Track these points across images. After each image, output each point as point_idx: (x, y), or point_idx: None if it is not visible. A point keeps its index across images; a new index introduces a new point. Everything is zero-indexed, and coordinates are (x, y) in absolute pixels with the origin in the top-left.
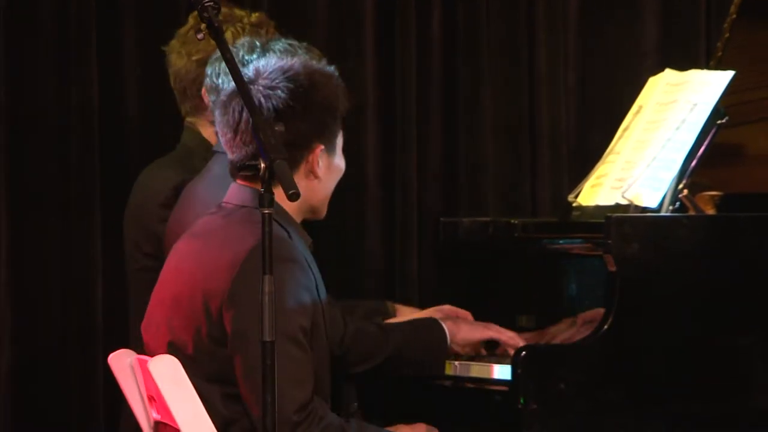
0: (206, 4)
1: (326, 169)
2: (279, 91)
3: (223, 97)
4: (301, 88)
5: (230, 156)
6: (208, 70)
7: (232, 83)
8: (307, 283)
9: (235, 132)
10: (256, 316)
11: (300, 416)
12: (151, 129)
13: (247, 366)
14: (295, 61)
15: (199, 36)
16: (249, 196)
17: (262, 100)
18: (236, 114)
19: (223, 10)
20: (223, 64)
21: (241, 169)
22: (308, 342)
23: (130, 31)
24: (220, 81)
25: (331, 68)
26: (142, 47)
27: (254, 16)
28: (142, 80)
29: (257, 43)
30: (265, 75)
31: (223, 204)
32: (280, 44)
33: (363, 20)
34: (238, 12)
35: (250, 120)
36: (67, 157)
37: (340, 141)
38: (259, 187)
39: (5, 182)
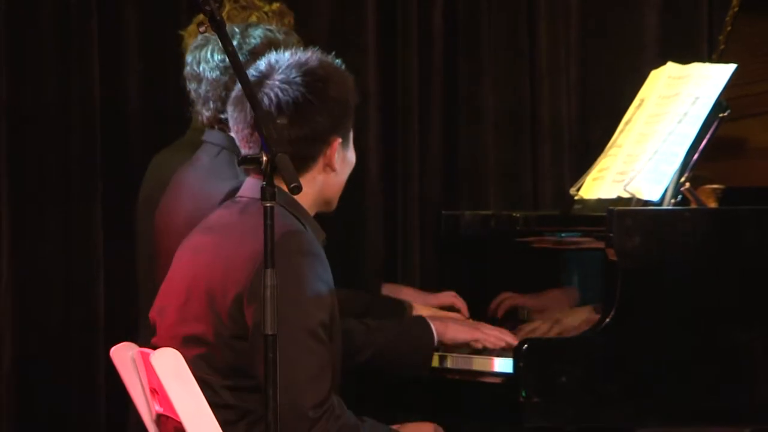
0: None
1: (341, 161)
2: (296, 86)
3: (237, 92)
4: (319, 82)
5: (246, 151)
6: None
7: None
8: (326, 276)
9: (252, 128)
10: (279, 310)
11: (317, 413)
12: (152, 123)
13: None
14: (309, 56)
15: (201, 29)
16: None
17: (280, 94)
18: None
19: None
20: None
21: (241, 163)
22: (327, 336)
23: (131, 25)
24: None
25: (338, 61)
26: (144, 41)
27: (275, 6)
28: (144, 74)
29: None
30: (279, 69)
31: (238, 198)
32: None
33: (365, 12)
34: (258, 2)
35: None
36: (69, 151)
37: (351, 134)
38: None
39: (7, 177)
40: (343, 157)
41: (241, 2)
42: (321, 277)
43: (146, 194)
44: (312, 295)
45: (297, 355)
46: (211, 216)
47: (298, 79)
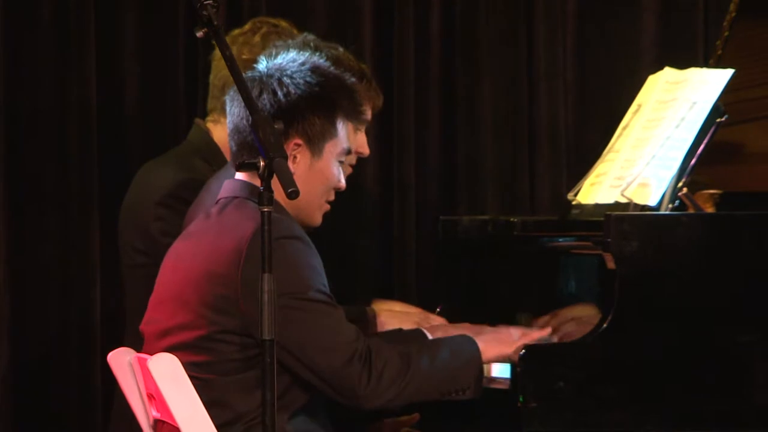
0: (206, 3)
1: (306, 168)
2: (272, 79)
3: (232, 92)
4: (301, 78)
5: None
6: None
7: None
8: (313, 255)
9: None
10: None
11: (356, 366)
12: (150, 126)
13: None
14: (313, 57)
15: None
16: (239, 187)
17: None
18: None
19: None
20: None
21: (240, 168)
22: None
23: (129, 28)
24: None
25: (352, 79)
26: (141, 44)
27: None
28: (142, 77)
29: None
30: (278, 60)
31: (217, 200)
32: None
33: (361, 16)
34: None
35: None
36: (66, 154)
37: (334, 149)
38: (251, 179)
39: (3, 180)
40: (309, 165)
41: (280, 29)
42: (307, 253)
43: (127, 207)
44: (303, 265)
45: (309, 324)
46: (192, 223)
47: (287, 72)
